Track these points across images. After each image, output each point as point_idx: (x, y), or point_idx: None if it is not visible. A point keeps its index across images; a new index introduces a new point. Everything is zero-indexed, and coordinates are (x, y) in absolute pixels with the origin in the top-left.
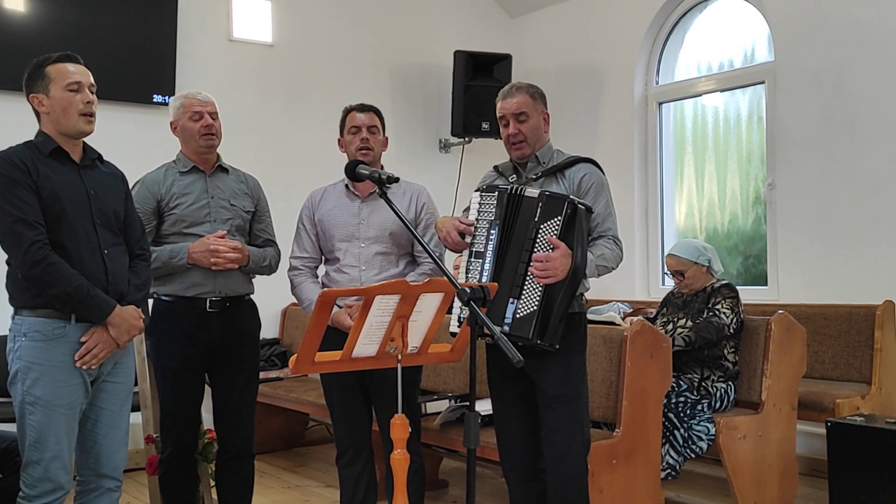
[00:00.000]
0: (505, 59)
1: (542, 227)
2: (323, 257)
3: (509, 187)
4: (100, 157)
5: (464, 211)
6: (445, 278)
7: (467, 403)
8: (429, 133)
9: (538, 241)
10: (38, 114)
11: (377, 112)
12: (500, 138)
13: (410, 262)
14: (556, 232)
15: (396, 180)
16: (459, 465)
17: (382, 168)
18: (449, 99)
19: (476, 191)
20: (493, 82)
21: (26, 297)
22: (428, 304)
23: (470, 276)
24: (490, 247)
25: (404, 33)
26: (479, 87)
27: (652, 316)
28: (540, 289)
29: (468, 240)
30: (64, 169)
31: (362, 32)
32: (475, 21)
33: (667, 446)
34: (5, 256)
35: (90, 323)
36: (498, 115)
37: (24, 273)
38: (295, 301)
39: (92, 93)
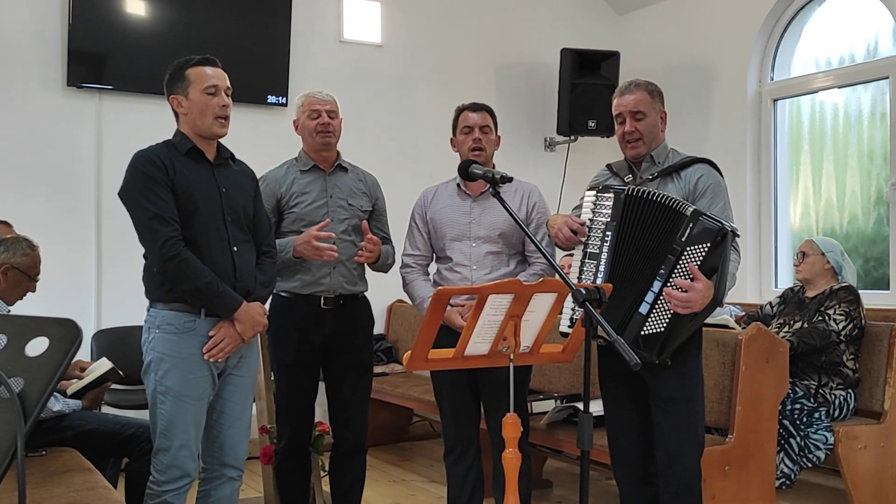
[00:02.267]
0: (612, 57)
1: (688, 249)
2: (434, 255)
3: (626, 188)
4: (232, 156)
5: (574, 209)
6: (559, 278)
7: (574, 404)
8: (534, 131)
9: (680, 262)
10: (176, 114)
11: (490, 111)
12: (607, 136)
13: (521, 262)
14: (700, 256)
15: (510, 180)
16: (563, 465)
17: (494, 167)
18: (555, 97)
19: (590, 189)
20: (601, 80)
21: (161, 290)
22: (541, 304)
23: (584, 276)
24: (605, 248)
25: (511, 31)
26: (585, 85)
27: (771, 313)
28: (671, 312)
29: (581, 239)
30: (199, 167)
31: (469, 32)
32: (582, 18)
33: (782, 454)
34: (143, 251)
35: (218, 318)
36: (614, 111)
37: (158, 268)
38: (401, 298)
39: (227, 96)
